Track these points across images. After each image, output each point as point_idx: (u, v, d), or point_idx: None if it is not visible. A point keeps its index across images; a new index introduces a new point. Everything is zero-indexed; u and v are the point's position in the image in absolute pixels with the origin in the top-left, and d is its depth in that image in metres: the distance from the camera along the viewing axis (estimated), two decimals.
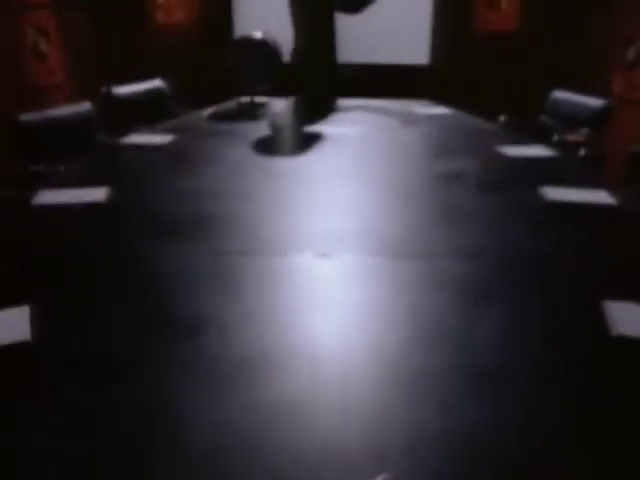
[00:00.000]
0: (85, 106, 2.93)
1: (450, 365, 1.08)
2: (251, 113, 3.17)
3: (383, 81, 4.93)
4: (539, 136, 3.17)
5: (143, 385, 1.02)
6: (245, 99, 3.35)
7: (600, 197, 1.93)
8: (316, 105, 3.22)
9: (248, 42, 3.21)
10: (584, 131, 3.23)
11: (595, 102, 3.31)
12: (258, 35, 3.21)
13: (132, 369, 1.06)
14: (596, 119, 3.27)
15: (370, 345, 1.14)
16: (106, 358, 1.09)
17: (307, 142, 2.55)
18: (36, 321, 1.16)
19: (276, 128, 2.84)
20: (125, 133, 2.72)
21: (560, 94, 3.54)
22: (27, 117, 2.67)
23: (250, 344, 1.12)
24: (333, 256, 1.47)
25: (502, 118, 3.49)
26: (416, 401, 0.98)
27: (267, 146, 2.53)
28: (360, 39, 4.58)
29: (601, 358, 1.13)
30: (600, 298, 1.27)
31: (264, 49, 3.18)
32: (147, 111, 3.15)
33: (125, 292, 1.32)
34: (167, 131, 2.69)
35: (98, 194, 1.86)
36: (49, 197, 1.86)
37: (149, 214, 1.76)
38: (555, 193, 1.93)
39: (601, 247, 1.61)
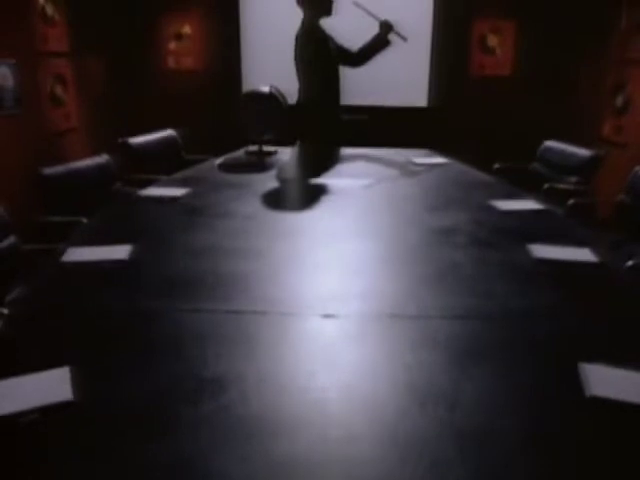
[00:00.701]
0: (103, 158, 3.12)
1: (442, 424, 1.23)
2: (259, 163, 3.36)
3: (386, 122, 5.16)
4: (531, 184, 3.36)
5: (172, 441, 1.17)
6: (253, 148, 3.54)
7: (583, 254, 2.10)
8: (318, 154, 3.42)
9: (257, 95, 3.41)
10: (573, 180, 3.42)
11: (584, 152, 3.51)
12: (266, 89, 3.42)
13: (161, 427, 1.21)
14: (585, 168, 3.46)
15: (370, 404, 1.29)
16: (136, 417, 1.24)
17: (312, 196, 2.73)
18: (75, 381, 1.32)
19: (283, 181, 3.02)
20: (141, 182, 2.91)
21: (551, 144, 3.73)
22: (49, 170, 2.86)
23: (261, 404, 1.28)
24: (337, 317, 1.63)
25: (496, 165, 3.69)
26: (412, 459, 1.14)
27: (274, 200, 2.71)
28: (364, 83, 4.78)
29: (577, 418, 1.28)
30: (578, 359, 1.43)
31: (272, 102, 3.39)
32: (161, 160, 3.35)
33: (152, 351, 1.48)
34: (182, 182, 2.88)
35: (122, 252, 2.02)
36: (77, 255, 2.03)
37: (169, 272, 1.92)
38: (541, 251, 2.10)
39: (581, 306, 1.77)
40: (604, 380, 1.38)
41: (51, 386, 1.34)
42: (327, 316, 1.63)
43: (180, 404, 1.28)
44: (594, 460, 1.15)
